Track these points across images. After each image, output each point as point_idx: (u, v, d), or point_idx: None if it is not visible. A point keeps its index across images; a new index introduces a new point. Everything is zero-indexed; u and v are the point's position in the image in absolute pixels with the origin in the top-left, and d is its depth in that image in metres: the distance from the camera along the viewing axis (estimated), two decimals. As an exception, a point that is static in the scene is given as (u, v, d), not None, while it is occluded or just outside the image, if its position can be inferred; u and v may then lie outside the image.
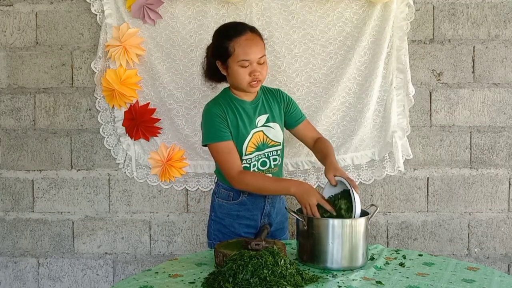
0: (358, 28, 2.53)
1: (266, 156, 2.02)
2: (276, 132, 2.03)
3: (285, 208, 1.81)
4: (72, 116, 2.70)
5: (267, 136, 2.01)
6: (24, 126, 2.73)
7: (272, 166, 2.04)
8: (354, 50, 2.52)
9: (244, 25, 1.95)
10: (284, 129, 2.11)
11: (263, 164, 2.02)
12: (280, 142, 2.05)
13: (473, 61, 2.61)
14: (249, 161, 1.99)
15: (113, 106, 2.62)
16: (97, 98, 2.65)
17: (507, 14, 2.59)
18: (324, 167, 1.90)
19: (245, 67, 1.88)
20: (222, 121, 1.92)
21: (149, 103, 2.60)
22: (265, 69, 1.94)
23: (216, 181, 2.12)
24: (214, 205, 2.09)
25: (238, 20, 2.50)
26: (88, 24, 2.66)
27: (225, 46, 1.89)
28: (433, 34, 2.61)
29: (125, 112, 2.60)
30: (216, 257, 1.62)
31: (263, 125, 2.01)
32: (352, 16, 2.53)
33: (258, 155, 2.00)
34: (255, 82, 1.90)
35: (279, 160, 2.06)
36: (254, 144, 1.99)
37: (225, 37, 1.91)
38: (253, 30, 1.94)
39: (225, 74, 1.96)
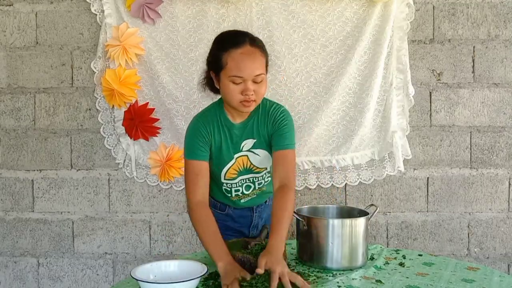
0: (358, 28, 2.53)
1: (251, 180, 1.90)
2: (261, 159, 1.84)
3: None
4: (72, 116, 2.70)
5: (251, 163, 1.84)
6: (24, 126, 2.73)
7: (257, 189, 1.93)
8: (354, 50, 2.52)
9: (245, 36, 1.72)
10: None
11: (247, 188, 1.91)
12: (265, 168, 1.88)
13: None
14: (229, 185, 1.88)
15: (113, 106, 2.62)
16: (97, 98, 2.65)
17: (507, 14, 2.59)
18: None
19: (237, 83, 1.66)
20: (204, 140, 1.77)
21: (148, 103, 2.60)
22: (263, 89, 1.70)
23: None
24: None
25: (237, 19, 2.52)
26: (88, 24, 2.66)
27: (218, 57, 1.68)
28: (433, 34, 2.61)
29: (124, 112, 2.59)
30: None
31: (248, 150, 1.82)
32: (352, 16, 2.53)
33: (241, 179, 1.89)
34: (247, 102, 1.68)
35: (267, 181, 1.94)
36: (236, 170, 1.84)
37: (221, 47, 1.70)
38: (253, 43, 1.71)
39: (217, 86, 1.76)
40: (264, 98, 1.79)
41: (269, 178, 1.93)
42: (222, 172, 1.84)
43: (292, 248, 1.84)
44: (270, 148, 1.83)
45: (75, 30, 2.67)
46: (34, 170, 2.74)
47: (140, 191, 2.71)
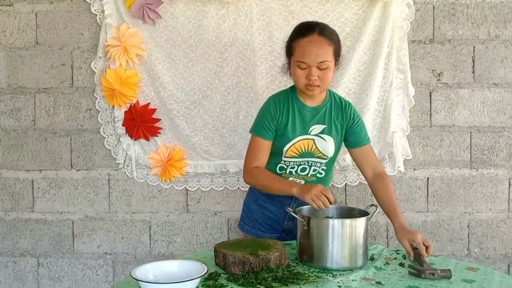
0: (358, 28, 2.53)
1: (309, 164, 1.98)
2: (327, 145, 1.97)
3: (286, 208, 1.80)
4: (72, 116, 2.70)
5: (316, 146, 1.96)
6: (24, 126, 2.73)
7: (309, 175, 1.99)
8: (354, 50, 2.52)
9: (315, 26, 1.88)
10: (342, 147, 2.05)
11: (303, 170, 1.99)
12: (328, 157, 1.98)
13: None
14: (287, 163, 1.98)
15: (113, 106, 2.62)
16: (97, 98, 2.65)
17: (507, 14, 2.59)
18: (393, 225, 1.85)
19: (302, 68, 1.85)
20: (272, 119, 1.94)
21: (149, 103, 2.60)
22: (329, 75, 1.87)
23: None
24: (252, 188, 2.14)
25: (238, 20, 2.53)
26: (88, 24, 2.66)
27: (290, 44, 1.91)
28: (433, 34, 2.61)
29: (125, 112, 2.60)
30: (216, 257, 1.62)
31: (316, 135, 1.96)
32: (352, 16, 2.53)
33: (301, 161, 1.97)
34: (310, 86, 1.86)
35: (322, 174, 2.01)
36: (298, 150, 1.95)
37: (293, 35, 1.91)
38: (321, 32, 1.86)
39: (290, 71, 1.96)
40: (330, 90, 2.01)
41: (324, 172, 2.01)
42: (284, 149, 1.95)
43: (292, 248, 1.84)
44: (337, 137, 1.98)
45: (75, 30, 2.67)
46: (34, 170, 2.74)
47: (140, 191, 2.71)
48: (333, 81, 2.54)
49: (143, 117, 2.58)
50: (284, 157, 1.97)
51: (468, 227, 2.66)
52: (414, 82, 2.57)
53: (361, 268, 1.64)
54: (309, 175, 2.00)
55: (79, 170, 2.72)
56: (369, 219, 1.69)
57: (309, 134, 1.95)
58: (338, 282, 1.50)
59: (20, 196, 2.75)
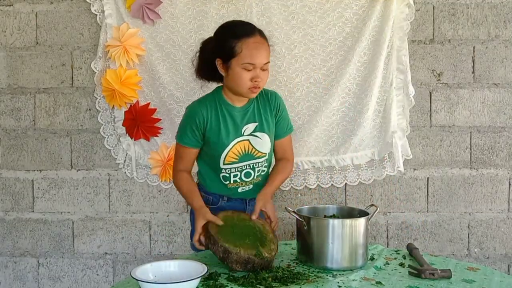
0: (358, 28, 2.52)
1: (251, 167, 1.94)
2: (263, 143, 1.93)
3: (286, 208, 1.80)
4: (72, 116, 2.70)
5: (253, 147, 1.91)
6: (24, 126, 2.73)
7: (255, 177, 1.98)
8: (354, 51, 2.52)
9: (254, 26, 1.85)
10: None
11: (247, 175, 1.95)
12: (265, 153, 1.96)
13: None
14: (229, 171, 1.93)
15: (113, 106, 2.62)
16: (97, 98, 2.65)
17: (507, 14, 2.59)
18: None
19: (249, 70, 1.78)
20: (197, 127, 1.87)
21: (149, 103, 2.60)
22: (267, 76, 1.85)
23: (198, 183, 2.08)
24: (192, 210, 2.05)
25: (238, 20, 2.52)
26: (88, 24, 2.66)
27: (231, 45, 1.78)
28: (433, 34, 2.61)
29: (125, 112, 2.60)
30: (213, 245, 1.61)
31: (250, 134, 1.90)
32: (352, 17, 2.53)
33: (242, 166, 1.93)
34: (255, 89, 1.81)
35: (265, 170, 2.00)
36: (236, 155, 1.90)
37: (233, 35, 1.79)
38: (261, 33, 1.85)
39: (223, 74, 1.86)
40: None
41: (266, 168, 1.99)
42: (222, 156, 1.89)
43: (292, 248, 1.84)
44: (270, 131, 1.95)
45: (75, 30, 2.67)
46: (34, 170, 2.74)
47: (140, 191, 2.71)
48: (333, 81, 2.54)
49: (143, 117, 2.58)
50: (224, 164, 1.91)
51: (468, 227, 2.66)
52: (414, 82, 2.57)
53: (361, 268, 1.64)
54: (254, 177, 1.97)
55: (79, 170, 2.72)
56: (369, 219, 1.69)
57: (243, 135, 1.90)
58: (338, 282, 1.50)
59: (20, 196, 2.75)
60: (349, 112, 2.56)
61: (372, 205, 1.84)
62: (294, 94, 2.55)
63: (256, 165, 1.94)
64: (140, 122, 2.57)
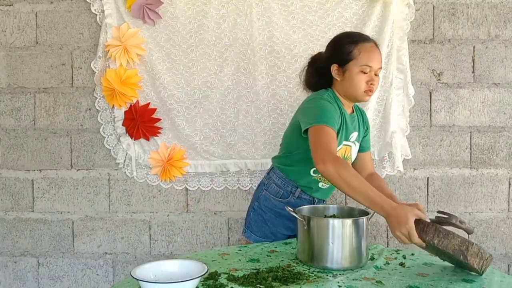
0: (358, 28, 2.52)
1: None
2: (356, 152, 2.00)
3: (286, 208, 1.80)
4: (72, 116, 2.70)
5: (351, 153, 1.97)
6: (24, 126, 2.73)
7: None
8: (354, 50, 2.52)
9: (368, 36, 1.93)
10: None
11: None
12: (353, 160, 2.02)
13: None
14: (316, 178, 1.96)
15: (113, 106, 2.62)
16: (97, 98, 2.65)
17: (507, 14, 2.59)
18: None
19: (365, 73, 1.83)
20: (336, 115, 1.81)
21: (149, 103, 2.60)
22: (378, 82, 1.90)
23: (269, 173, 2.05)
24: (260, 196, 2.05)
25: (238, 20, 2.53)
26: (88, 24, 2.66)
27: (350, 49, 1.85)
28: (433, 34, 2.61)
29: (125, 112, 2.60)
30: (448, 246, 1.54)
31: (353, 141, 1.96)
32: (352, 17, 2.53)
33: None
34: (370, 92, 1.86)
35: None
36: (340, 156, 1.90)
37: (351, 41, 1.87)
38: (375, 42, 1.92)
39: (338, 79, 1.88)
40: None
41: None
42: None
43: (292, 248, 1.84)
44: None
45: (75, 30, 2.67)
46: (34, 170, 2.74)
47: (140, 191, 2.71)
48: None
49: (143, 117, 2.58)
50: None
51: (468, 227, 2.66)
52: (414, 82, 2.57)
53: (361, 268, 1.64)
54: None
55: (79, 170, 2.72)
56: (369, 219, 1.68)
57: (349, 140, 1.94)
58: (338, 282, 1.50)
59: (20, 196, 2.75)
60: (349, 112, 2.56)
61: (372, 205, 1.83)
62: (294, 94, 2.55)
63: None
64: (140, 122, 2.57)
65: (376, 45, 1.90)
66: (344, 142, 1.92)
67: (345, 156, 1.95)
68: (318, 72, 1.95)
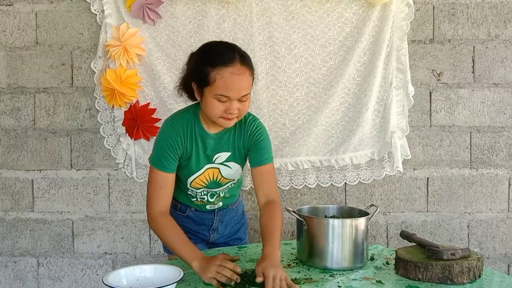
0: (357, 28, 2.53)
1: (217, 193, 1.88)
2: (233, 172, 1.82)
3: (286, 208, 1.79)
4: (72, 116, 2.70)
5: (222, 176, 1.81)
6: (24, 126, 2.73)
7: (221, 196, 1.91)
8: (353, 51, 2.52)
9: (235, 53, 1.63)
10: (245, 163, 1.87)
11: (212, 196, 1.89)
12: (233, 180, 1.86)
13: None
14: (195, 192, 1.86)
15: (113, 106, 2.62)
16: (97, 98, 2.65)
17: (507, 14, 2.59)
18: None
19: (223, 102, 1.61)
20: (175, 150, 1.71)
21: (149, 103, 2.60)
22: (247, 106, 1.67)
23: None
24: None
25: (238, 20, 2.52)
26: (88, 24, 2.66)
27: (206, 72, 1.60)
28: (433, 34, 2.61)
29: (125, 112, 2.59)
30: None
31: (221, 163, 1.79)
32: (352, 17, 2.53)
33: (208, 190, 1.85)
34: (229, 120, 1.66)
35: (233, 187, 1.91)
36: (203, 182, 1.80)
37: (208, 61, 1.61)
38: (243, 60, 1.63)
39: (197, 98, 1.71)
40: None
41: (234, 184, 1.90)
42: (189, 180, 1.80)
43: (292, 248, 1.84)
44: (242, 161, 1.82)
45: (75, 30, 2.67)
46: (34, 170, 2.73)
47: (140, 191, 2.71)
48: (333, 80, 2.54)
49: (143, 117, 2.57)
50: (190, 186, 1.82)
51: (468, 227, 2.66)
52: (414, 82, 2.57)
53: (361, 268, 1.64)
54: (221, 196, 1.90)
55: (79, 170, 2.72)
56: (369, 219, 1.69)
57: (213, 162, 1.78)
58: (338, 282, 1.51)
59: (20, 196, 2.75)
60: (349, 112, 2.56)
61: (372, 205, 1.84)
62: (294, 94, 2.55)
63: (221, 192, 1.89)
64: (140, 122, 2.57)
65: (244, 64, 1.62)
66: (208, 166, 1.77)
67: (215, 179, 1.81)
68: (187, 81, 1.74)
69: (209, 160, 1.77)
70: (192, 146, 1.74)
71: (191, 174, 1.78)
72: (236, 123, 1.75)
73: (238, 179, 1.90)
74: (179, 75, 1.81)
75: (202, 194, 1.86)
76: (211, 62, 1.61)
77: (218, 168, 1.79)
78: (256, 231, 2.63)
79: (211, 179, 1.81)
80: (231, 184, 1.88)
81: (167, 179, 1.72)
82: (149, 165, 2.50)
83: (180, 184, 1.82)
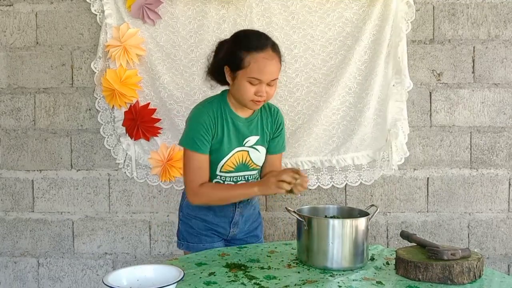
0: (358, 28, 2.53)
1: (245, 178, 1.93)
2: (260, 155, 1.92)
3: (286, 208, 1.79)
4: (72, 116, 2.70)
5: (251, 159, 1.90)
6: (24, 126, 2.73)
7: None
8: (354, 50, 2.52)
9: (268, 40, 1.79)
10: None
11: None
12: (260, 166, 1.95)
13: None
14: (223, 178, 1.90)
15: (113, 106, 2.62)
16: (97, 98, 2.65)
17: (507, 14, 2.59)
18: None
19: (254, 84, 1.75)
20: (207, 133, 1.81)
21: (149, 103, 2.60)
22: (273, 90, 1.80)
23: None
24: (183, 205, 2.03)
25: (238, 20, 2.52)
26: (88, 24, 2.66)
27: (240, 56, 1.74)
28: (433, 34, 2.61)
29: (125, 112, 2.60)
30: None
31: (250, 146, 1.88)
32: (352, 16, 2.53)
33: (237, 176, 1.90)
34: (258, 102, 1.78)
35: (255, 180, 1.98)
36: (234, 164, 1.87)
37: (244, 46, 1.76)
38: (274, 48, 1.79)
39: (229, 82, 1.83)
40: None
41: (257, 176, 1.97)
42: (220, 164, 1.86)
43: (292, 248, 1.84)
44: (267, 146, 1.95)
45: (75, 30, 2.67)
46: (34, 170, 2.74)
47: (140, 191, 2.71)
48: (333, 80, 2.54)
49: (143, 117, 2.58)
50: (220, 171, 1.88)
51: (468, 227, 2.66)
52: (414, 82, 2.57)
53: (361, 268, 1.64)
54: None
55: (79, 170, 2.72)
56: (369, 219, 1.69)
57: (243, 145, 1.87)
58: (338, 282, 1.50)
59: (20, 196, 2.75)
60: (350, 111, 2.56)
61: (373, 205, 1.83)
62: (294, 94, 2.55)
63: (250, 176, 1.93)
64: (140, 122, 2.57)
65: (275, 51, 1.78)
66: (238, 149, 1.86)
67: (244, 162, 1.89)
68: (218, 67, 1.86)
69: (240, 143, 1.87)
70: (224, 128, 1.83)
71: (223, 156, 1.85)
72: (261, 110, 1.91)
73: (260, 168, 1.98)
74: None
75: (231, 180, 1.91)
76: (246, 47, 1.75)
77: (247, 151, 1.88)
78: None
79: (241, 161, 1.88)
80: (256, 173, 1.96)
81: (204, 160, 1.83)
82: (150, 165, 2.50)
83: (210, 171, 1.88)
